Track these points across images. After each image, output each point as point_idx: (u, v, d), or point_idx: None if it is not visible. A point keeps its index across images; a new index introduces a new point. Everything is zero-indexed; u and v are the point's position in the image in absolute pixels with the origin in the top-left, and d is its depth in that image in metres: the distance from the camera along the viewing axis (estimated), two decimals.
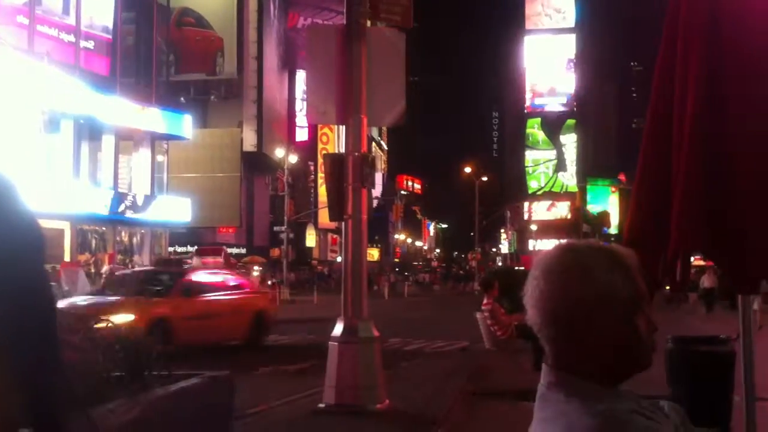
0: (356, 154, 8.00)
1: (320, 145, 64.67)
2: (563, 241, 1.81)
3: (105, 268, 29.76)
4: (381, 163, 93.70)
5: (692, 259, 3.50)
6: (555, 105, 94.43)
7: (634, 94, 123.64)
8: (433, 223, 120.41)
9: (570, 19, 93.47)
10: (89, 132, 32.59)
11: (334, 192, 8.08)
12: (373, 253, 78.17)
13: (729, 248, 2.97)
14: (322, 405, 7.47)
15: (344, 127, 8.48)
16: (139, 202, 34.68)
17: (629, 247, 2.94)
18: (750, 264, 2.98)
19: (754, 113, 2.97)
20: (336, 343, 7.59)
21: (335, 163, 8.22)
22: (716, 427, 6.81)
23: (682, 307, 30.25)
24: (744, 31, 2.99)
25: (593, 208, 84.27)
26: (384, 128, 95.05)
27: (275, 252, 48.18)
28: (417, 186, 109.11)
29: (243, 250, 49.12)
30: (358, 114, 8.06)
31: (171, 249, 40.40)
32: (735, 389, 9.10)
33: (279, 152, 49.65)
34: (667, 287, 3.24)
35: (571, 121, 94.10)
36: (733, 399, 7.58)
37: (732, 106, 2.99)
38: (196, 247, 35.02)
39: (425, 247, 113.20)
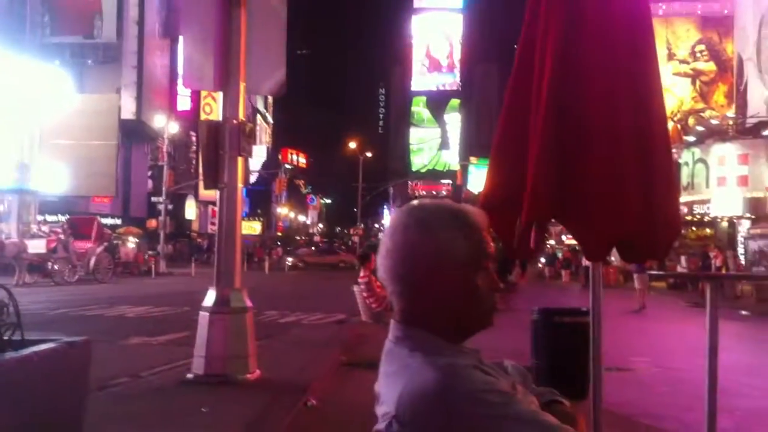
0: (233, 121, 7.86)
1: (203, 115, 63.01)
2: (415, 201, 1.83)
3: None
4: (266, 136, 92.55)
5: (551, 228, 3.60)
6: (440, 84, 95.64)
7: None
8: (317, 198, 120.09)
9: None
10: None
11: (209, 160, 7.92)
12: (255, 226, 77.32)
13: (580, 216, 3.07)
14: (190, 375, 7.35)
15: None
16: (7, 168, 33.01)
17: (487, 215, 3.00)
18: (599, 232, 3.09)
19: (606, 86, 3.08)
20: (206, 313, 7.47)
21: (211, 130, 8.05)
22: (577, 396, 7.11)
23: (556, 282, 31.45)
24: (599, 7, 3.09)
25: (475, 186, 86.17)
26: (270, 100, 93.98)
27: (152, 223, 46.88)
28: (302, 160, 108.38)
29: (118, 221, 47.58)
30: (236, 81, 7.91)
31: (41, 218, 38.71)
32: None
33: (159, 121, 48.24)
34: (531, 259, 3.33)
35: (455, 101, 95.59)
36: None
37: (585, 79, 3.08)
38: (67, 216, 33.72)
39: (309, 222, 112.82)
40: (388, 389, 1.60)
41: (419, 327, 1.66)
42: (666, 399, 8.18)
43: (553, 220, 3.32)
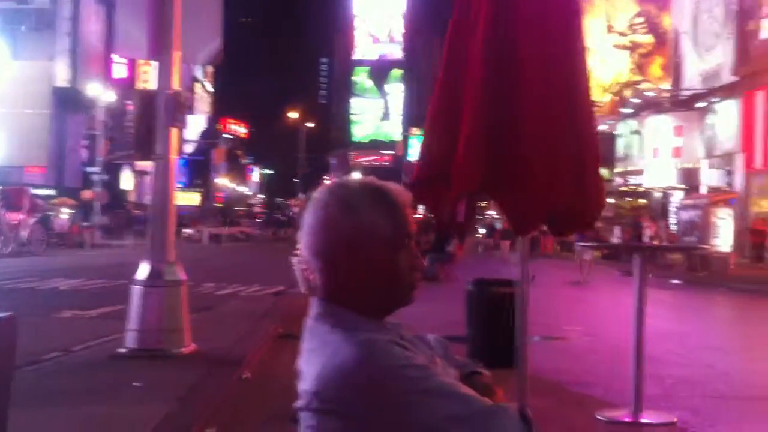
0: (168, 92, 7.70)
1: (140, 84, 61.74)
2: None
3: None
4: (205, 105, 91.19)
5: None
6: (383, 54, 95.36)
7: None
8: (257, 169, 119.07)
9: None
10: None
11: (142, 131, 7.78)
12: (194, 197, 76.38)
13: (508, 191, 3.10)
14: (122, 349, 7.24)
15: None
16: None
17: (417, 188, 3.02)
18: (530, 206, 3.14)
19: (538, 62, 3.10)
20: (139, 287, 7.35)
21: (145, 100, 7.91)
22: (510, 364, 7.22)
23: (495, 254, 31.83)
24: None
25: (416, 157, 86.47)
26: (210, 69, 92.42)
27: (87, 194, 45.87)
28: (242, 130, 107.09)
29: (53, 192, 46.43)
30: (170, 49, 7.73)
31: None
32: (529, 330, 9.76)
33: (95, 89, 47.05)
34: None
35: (397, 71, 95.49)
36: (529, 339, 8.11)
37: (518, 54, 3.10)
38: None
39: (249, 193, 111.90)
40: (309, 366, 1.61)
41: (340, 304, 1.68)
42: (596, 367, 8.38)
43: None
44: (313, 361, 1.60)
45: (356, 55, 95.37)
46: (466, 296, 7.83)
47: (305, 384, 1.60)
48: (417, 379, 1.52)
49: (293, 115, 75.54)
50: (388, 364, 1.52)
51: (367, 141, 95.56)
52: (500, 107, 3.02)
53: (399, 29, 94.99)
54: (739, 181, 32.61)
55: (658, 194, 40.94)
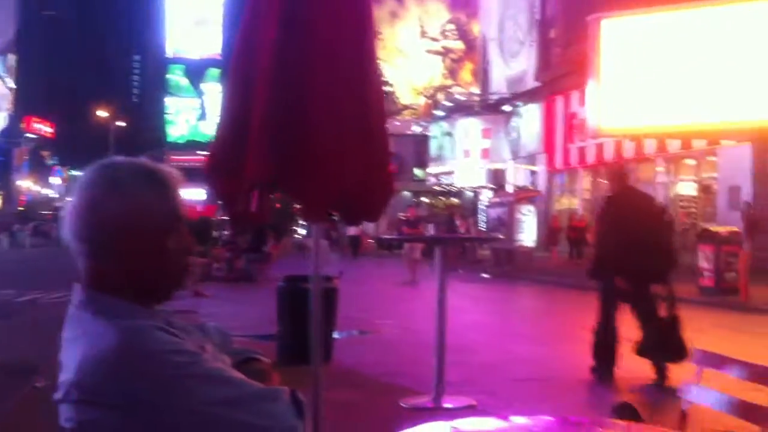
0: None
1: None
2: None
3: None
4: (6, 103, 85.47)
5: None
6: (199, 53, 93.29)
7: None
8: (64, 170, 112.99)
9: None
10: None
11: None
12: None
13: (298, 181, 3.13)
14: None
15: None
16: None
17: (210, 180, 2.97)
18: (320, 195, 3.17)
19: (327, 56, 3.15)
20: None
21: None
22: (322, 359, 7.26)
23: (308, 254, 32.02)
24: None
25: None
26: (11, 64, 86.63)
27: None
28: (48, 129, 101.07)
29: None
30: None
31: None
32: (344, 325, 9.87)
33: None
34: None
35: (215, 70, 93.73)
36: (345, 334, 8.21)
37: (308, 51, 3.13)
38: None
39: (56, 195, 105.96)
40: (69, 356, 1.53)
41: (105, 290, 1.60)
42: (405, 357, 8.61)
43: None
44: (73, 351, 1.52)
45: (170, 53, 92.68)
46: (276, 294, 7.82)
47: (64, 375, 1.51)
48: (183, 365, 1.48)
49: (103, 113, 72.23)
50: (152, 350, 1.47)
51: (183, 141, 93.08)
52: (290, 100, 3.04)
53: (213, 28, 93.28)
54: (541, 181, 34.64)
55: (469, 193, 42.71)
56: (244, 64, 3.12)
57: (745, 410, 2.92)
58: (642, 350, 7.03)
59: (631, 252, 6.77)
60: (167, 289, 1.67)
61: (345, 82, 3.13)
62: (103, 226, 1.58)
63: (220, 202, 3.13)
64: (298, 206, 3.37)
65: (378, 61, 3.43)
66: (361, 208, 3.27)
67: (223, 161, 3.12)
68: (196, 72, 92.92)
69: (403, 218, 25.33)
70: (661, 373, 6.95)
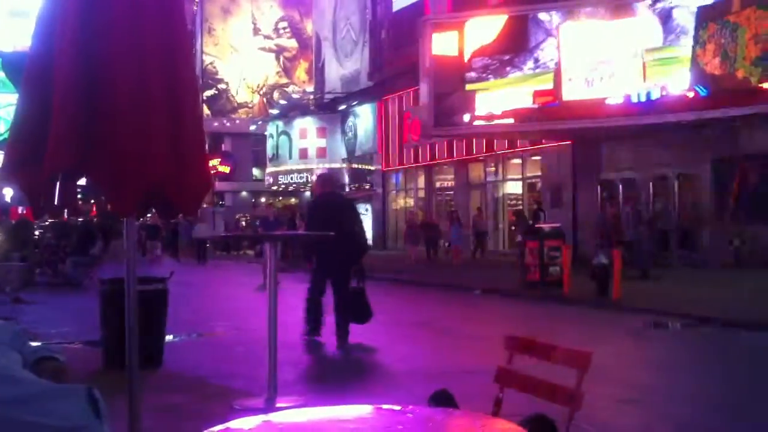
0: None
1: None
2: None
3: None
4: None
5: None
6: (13, 45, 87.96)
7: None
8: None
9: None
10: None
11: None
12: None
13: (104, 172, 3.06)
14: None
15: None
16: None
17: (7, 170, 2.81)
18: (127, 186, 3.10)
19: (133, 43, 3.09)
20: None
21: None
22: (150, 363, 7.03)
23: (147, 255, 30.68)
24: None
25: None
26: None
27: None
28: None
29: None
30: None
31: None
32: (179, 328, 9.62)
33: None
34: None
35: None
36: (164, 337, 7.97)
37: (109, 46, 3.06)
38: None
39: None
40: None
41: None
42: (240, 359, 8.52)
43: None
44: None
45: None
46: (99, 297, 7.51)
47: None
48: None
49: None
50: None
51: (2, 140, 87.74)
52: (93, 85, 2.96)
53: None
54: (378, 180, 35.21)
55: (307, 193, 42.76)
56: (43, 50, 3.01)
57: (552, 392, 3.11)
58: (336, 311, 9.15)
59: (331, 240, 7.87)
60: None
61: (155, 75, 3.08)
62: None
63: (23, 194, 3.00)
64: (105, 198, 3.27)
65: (190, 51, 3.40)
66: (175, 200, 3.24)
67: (24, 151, 2.99)
68: (16, 65, 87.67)
69: (260, 217, 25.11)
70: (343, 333, 9.03)
